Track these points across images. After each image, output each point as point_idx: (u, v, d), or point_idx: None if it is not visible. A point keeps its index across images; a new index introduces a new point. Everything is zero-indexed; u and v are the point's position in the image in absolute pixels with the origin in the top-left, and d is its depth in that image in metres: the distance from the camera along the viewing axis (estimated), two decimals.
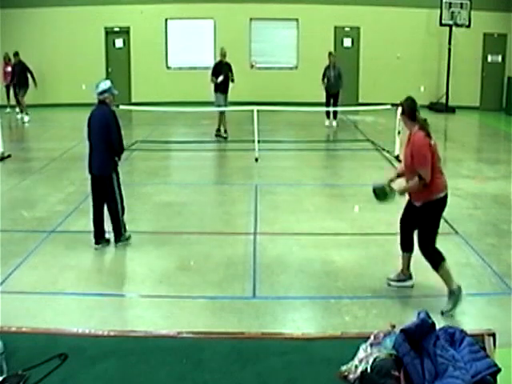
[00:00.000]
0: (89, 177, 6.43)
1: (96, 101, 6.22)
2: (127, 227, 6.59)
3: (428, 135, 4.92)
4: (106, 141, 6.15)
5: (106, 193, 6.29)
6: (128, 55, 18.21)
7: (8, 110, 16.78)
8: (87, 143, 6.39)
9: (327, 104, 14.27)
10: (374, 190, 5.22)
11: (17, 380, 2.37)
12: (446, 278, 5.00)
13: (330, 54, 14.44)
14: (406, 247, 5.35)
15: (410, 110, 5.02)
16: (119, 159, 6.39)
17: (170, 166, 11.24)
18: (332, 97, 14.18)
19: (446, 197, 5.00)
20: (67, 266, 5.89)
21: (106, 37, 18.11)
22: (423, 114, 5.27)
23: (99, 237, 6.42)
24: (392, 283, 5.46)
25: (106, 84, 6.19)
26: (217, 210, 7.92)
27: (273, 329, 4.57)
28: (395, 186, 5.17)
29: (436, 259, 4.99)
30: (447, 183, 5.03)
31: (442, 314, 4.82)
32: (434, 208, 4.99)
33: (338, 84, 14.07)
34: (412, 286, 5.42)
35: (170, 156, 12.01)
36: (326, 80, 14.10)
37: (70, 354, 2.55)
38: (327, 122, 14.34)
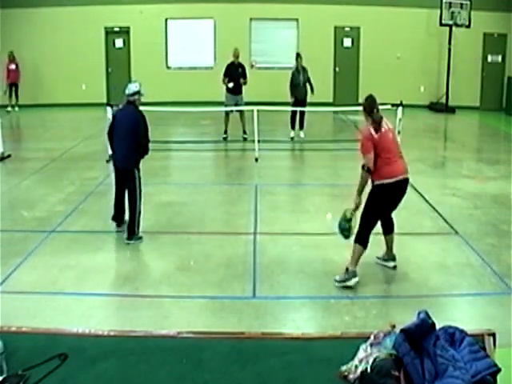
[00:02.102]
0: (112, 169, 6.87)
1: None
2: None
3: (377, 129, 5.34)
4: (134, 139, 6.49)
5: (128, 188, 6.61)
6: (128, 55, 18.20)
7: (9, 108, 16.88)
8: (106, 137, 6.79)
9: (293, 113, 12.83)
10: (339, 227, 5.65)
11: (17, 380, 2.37)
12: (353, 258, 5.45)
13: (297, 55, 12.93)
14: (384, 230, 5.79)
15: (369, 107, 5.43)
16: (142, 157, 6.66)
17: (170, 165, 11.24)
18: (300, 105, 12.71)
19: (393, 185, 5.33)
20: (67, 265, 5.89)
21: (105, 37, 18.10)
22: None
23: (120, 219, 6.79)
24: (378, 261, 5.89)
25: (137, 86, 6.62)
26: (217, 210, 7.91)
27: (273, 329, 4.57)
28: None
29: (360, 237, 5.42)
30: (398, 172, 5.34)
31: (335, 281, 5.42)
32: (378, 192, 5.38)
33: (306, 90, 12.65)
34: (394, 267, 5.79)
35: (170, 156, 12.01)
36: (293, 87, 12.66)
37: (70, 354, 2.55)
38: (292, 134, 12.87)
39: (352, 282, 5.38)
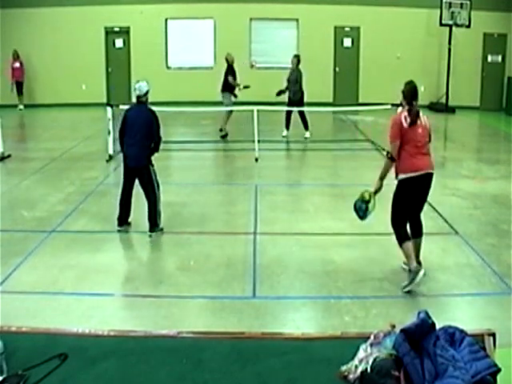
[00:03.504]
0: (121, 169, 6.99)
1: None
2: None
3: (412, 120, 5.23)
4: (148, 137, 6.60)
5: (143, 184, 6.69)
6: (128, 55, 18.21)
7: (21, 107, 17.01)
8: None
9: (288, 112, 12.91)
10: (355, 206, 5.54)
11: (17, 380, 2.37)
12: (406, 257, 5.38)
13: (294, 56, 13.12)
14: (412, 233, 5.53)
15: (409, 94, 5.29)
16: (152, 154, 6.77)
17: (170, 166, 11.22)
18: (294, 105, 12.67)
19: (416, 179, 5.28)
20: (67, 265, 5.89)
21: (105, 37, 18.11)
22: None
23: (123, 220, 6.81)
24: (404, 266, 5.63)
25: (147, 85, 6.67)
26: (217, 209, 7.91)
27: (273, 329, 4.56)
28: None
29: (400, 237, 5.38)
30: (420, 167, 5.27)
31: (403, 288, 5.24)
32: (403, 186, 5.33)
33: (300, 90, 12.64)
34: (424, 275, 5.34)
35: (170, 156, 11.99)
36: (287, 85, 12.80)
37: (70, 354, 2.55)
38: (284, 133, 12.95)
39: (419, 277, 5.21)
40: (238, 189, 9.01)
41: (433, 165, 5.43)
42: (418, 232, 5.57)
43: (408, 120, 5.22)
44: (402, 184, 5.34)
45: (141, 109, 6.69)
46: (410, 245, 5.36)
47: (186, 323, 4.71)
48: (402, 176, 5.31)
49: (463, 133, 14.87)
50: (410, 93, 5.28)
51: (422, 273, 5.23)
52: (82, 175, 9.55)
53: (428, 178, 5.37)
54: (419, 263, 5.52)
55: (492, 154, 11.80)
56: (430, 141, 5.46)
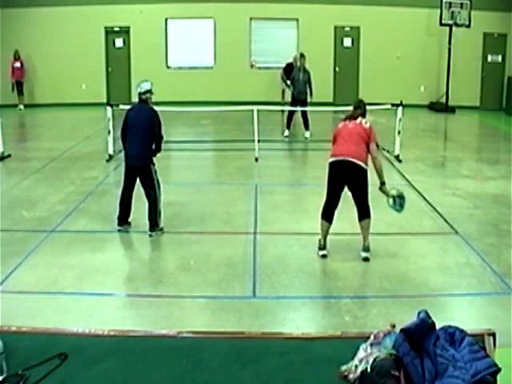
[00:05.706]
0: (121, 168, 7.08)
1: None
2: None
3: (345, 119, 6.23)
4: (150, 136, 6.65)
5: (144, 184, 6.71)
6: (128, 55, 18.21)
7: (21, 107, 17.02)
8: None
9: (291, 112, 12.98)
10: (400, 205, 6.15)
11: (17, 380, 2.37)
12: (321, 231, 6.18)
13: (301, 55, 13.08)
14: (358, 216, 6.20)
15: (353, 105, 6.37)
16: (154, 155, 6.83)
17: (170, 165, 11.22)
18: (299, 104, 12.73)
19: (335, 164, 5.97)
20: (67, 265, 5.89)
21: (105, 37, 18.11)
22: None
23: (123, 220, 6.83)
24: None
25: (149, 84, 6.77)
26: (217, 209, 7.91)
27: (273, 329, 4.57)
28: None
29: (322, 212, 6.21)
30: (339, 153, 5.92)
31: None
32: (328, 170, 6.06)
33: (306, 90, 12.72)
34: (365, 259, 6.00)
35: (170, 156, 11.98)
36: (292, 84, 12.91)
37: (70, 353, 2.55)
38: (286, 133, 13.00)
39: (319, 253, 6.10)
40: (238, 189, 9.01)
41: (356, 155, 5.84)
42: (361, 215, 6.07)
43: (342, 122, 6.17)
44: (329, 168, 6.05)
45: (142, 108, 6.73)
46: (325, 225, 6.13)
47: (185, 323, 4.71)
48: (329, 161, 6.06)
49: (463, 133, 14.86)
50: (354, 104, 6.35)
51: (322, 253, 6.07)
52: (82, 175, 9.55)
53: (348, 165, 5.85)
54: (367, 248, 6.04)
55: (492, 154, 11.81)
56: (370, 141, 5.97)
